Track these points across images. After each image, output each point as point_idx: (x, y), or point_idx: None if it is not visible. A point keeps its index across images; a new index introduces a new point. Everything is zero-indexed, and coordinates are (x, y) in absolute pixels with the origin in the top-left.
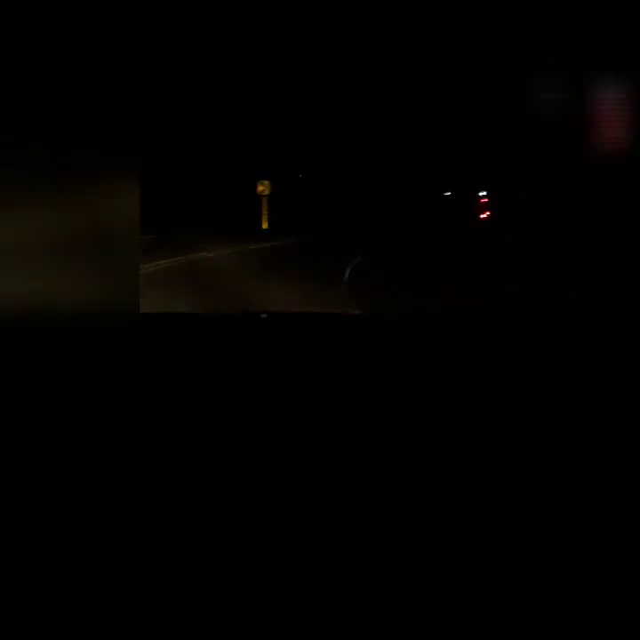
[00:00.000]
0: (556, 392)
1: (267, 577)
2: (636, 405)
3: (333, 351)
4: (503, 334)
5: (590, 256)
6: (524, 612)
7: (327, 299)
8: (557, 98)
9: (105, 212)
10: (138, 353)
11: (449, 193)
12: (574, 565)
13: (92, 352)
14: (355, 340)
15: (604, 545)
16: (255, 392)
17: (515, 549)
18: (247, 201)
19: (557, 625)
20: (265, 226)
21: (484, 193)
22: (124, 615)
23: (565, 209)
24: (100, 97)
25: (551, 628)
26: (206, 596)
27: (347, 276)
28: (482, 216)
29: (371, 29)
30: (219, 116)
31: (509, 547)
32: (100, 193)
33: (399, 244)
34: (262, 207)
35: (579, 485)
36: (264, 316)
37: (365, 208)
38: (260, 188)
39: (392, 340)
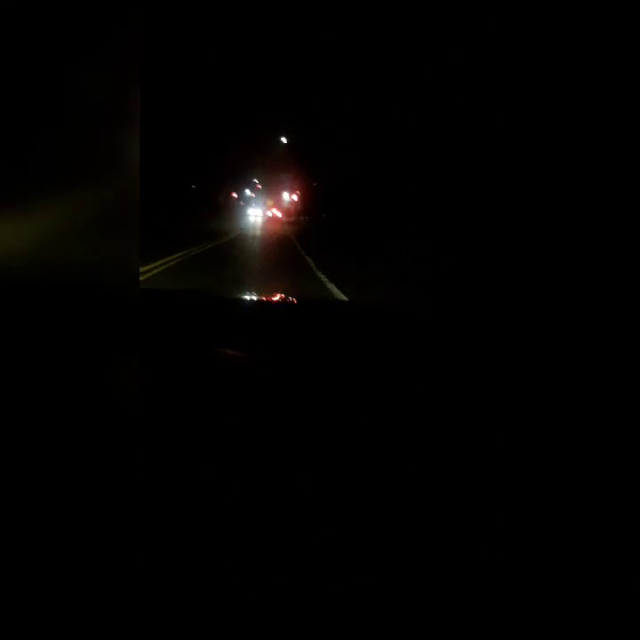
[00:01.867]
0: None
1: (266, 576)
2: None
3: (319, 336)
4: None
5: None
6: (524, 611)
7: None
8: None
9: (110, 198)
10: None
11: None
12: (574, 564)
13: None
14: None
15: (604, 545)
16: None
17: (513, 549)
18: None
19: (557, 625)
20: None
21: None
22: (124, 615)
23: None
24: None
25: (551, 628)
26: (206, 596)
27: None
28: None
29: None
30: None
31: (508, 546)
32: (106, 182)
33: None
34: None
35: (579, 485)
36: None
37: None
38: None
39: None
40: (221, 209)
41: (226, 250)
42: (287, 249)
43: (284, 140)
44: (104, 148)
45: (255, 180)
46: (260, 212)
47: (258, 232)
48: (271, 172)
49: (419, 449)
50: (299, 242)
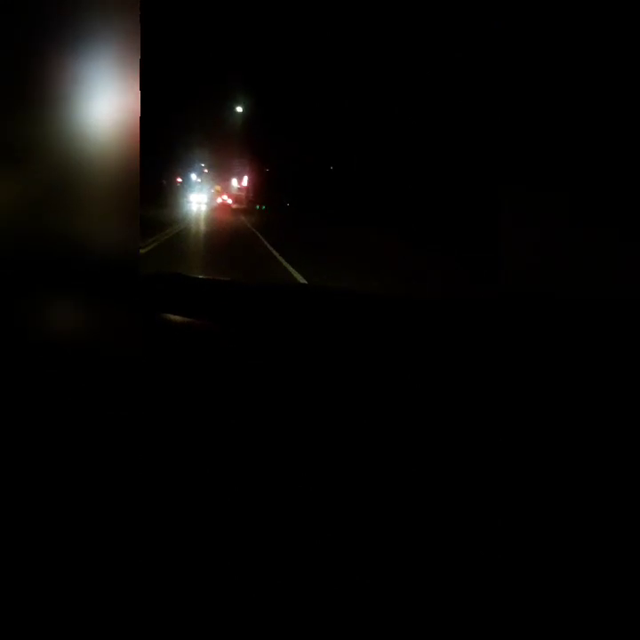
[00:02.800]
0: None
1: (266, 577)
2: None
3: (314, 324)
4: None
5: None
6: (524, 611)
7: None
8: None
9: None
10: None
11: None
12: (575, 565)
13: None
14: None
15: (604, 544)
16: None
17: (513, 549)
18: None
19: (557, 625)
20: None
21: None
22: (124, 615)
23: None
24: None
25: (551, 628)
26: (206, 597)
27: None
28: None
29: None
30: None
31: (508, 546)
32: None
33: None
34: None
35: (585, 485)
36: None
37: None
38: None
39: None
40: (164, 195)
41: (173, 254)
42: (269, 263)
43: (239, 109)
44: (104, 131)
45: (202, 164)
46: (205, 198)
47: (211, 227)
48: (220, 155)
49: (415, 445)
50: (269, 241)
